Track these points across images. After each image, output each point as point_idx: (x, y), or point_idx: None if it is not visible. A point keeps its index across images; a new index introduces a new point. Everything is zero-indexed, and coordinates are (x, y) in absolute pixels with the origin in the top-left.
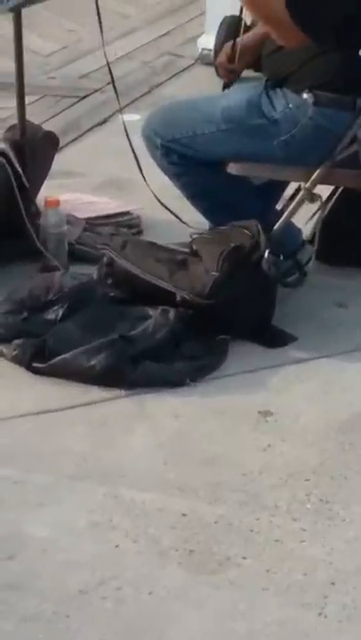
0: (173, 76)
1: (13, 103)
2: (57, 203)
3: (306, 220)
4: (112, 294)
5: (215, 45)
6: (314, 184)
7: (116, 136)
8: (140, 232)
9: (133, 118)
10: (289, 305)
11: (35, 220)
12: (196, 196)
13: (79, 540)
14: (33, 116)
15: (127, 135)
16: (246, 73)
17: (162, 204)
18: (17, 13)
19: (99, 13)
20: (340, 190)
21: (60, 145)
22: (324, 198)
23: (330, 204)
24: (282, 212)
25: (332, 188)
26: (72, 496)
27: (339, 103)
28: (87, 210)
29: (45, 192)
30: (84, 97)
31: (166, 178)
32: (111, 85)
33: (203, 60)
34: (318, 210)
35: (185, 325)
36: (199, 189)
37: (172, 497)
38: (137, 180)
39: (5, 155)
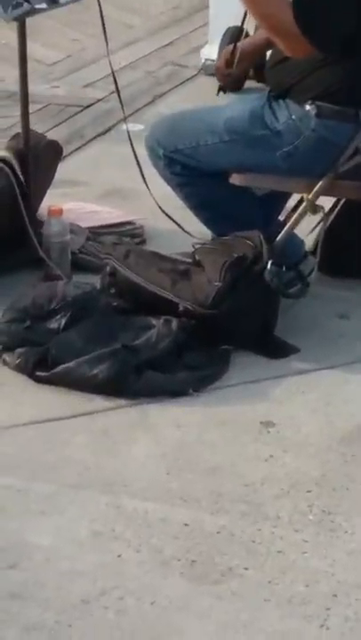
0: (177, 86)
1: (17, 112)
2: (60, 212)
3: (308, 231)
4: (115, 304)
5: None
6: (316, 195)
7: (120, 145)
8: (142, 242)
9: (137, 128)
10: (291, 316)
11: (38, 228)
12: (199, 206)
13: (81, 549)
14: (37, 124)
15: (131, 145)
16: (249, 84)
17: (165, 213)
18: (21, 22)
19: (103, 23)
20: (342, 202)
21: (64, 154)
22: (326, 210)
23: (332, 216)
24: (284, 223)
25: (334, 199)
26: (74, 505)
27: (341, 115)
28: (90, 219)
29: (49, 201)
30: (88, 106)
31: (169, 188)
32: (114, 95)
33: (206, 70)
34: (321, 221)
35: (188, 335)
36: (202, 200)
37: (174, 507)
38: (140, 189)
39: (9, 163)
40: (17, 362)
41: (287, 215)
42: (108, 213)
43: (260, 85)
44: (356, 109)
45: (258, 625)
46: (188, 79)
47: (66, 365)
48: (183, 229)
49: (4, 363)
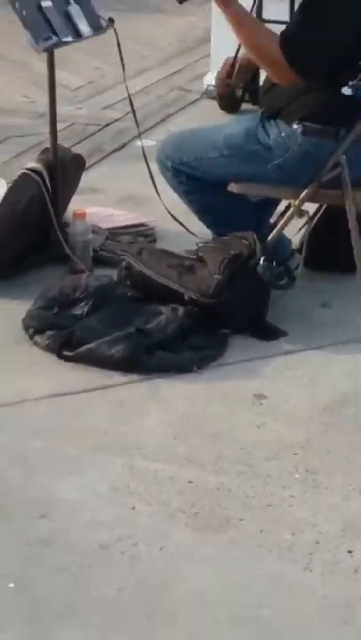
0: (183, 108)
1: (46, 129)
2: (83, 215)
3: (295, 232)
4: (130, 294)
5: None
6: (302, 202)
7: (134, 159)
8: (153, 241)
9: (149, 144)
10: (280, 304)
11: (64, 229)
12: (202, 210)
13: (101, 502)
14: (63, 140)
15: (145, 158)
16: (245, 106)
17: (173, 217)
18: (50, 53)
19: (120, 54)
20: (324, 207)
21: (86, 166)
22: (310, 214)
23: (315, 219)
24: (275, 225)
25: (317, 205)
26: (95, 466)
27: (324, 133)
28: (109, 221)
29: (73, 205)
30: (107, 125)
31: (176, 195)
32: (130, 115)
33: (208, 94)
34: (305, 224)
35: (192, 321)
36: (204, 205)
37: (180, 467)
38: (151, 196)
39: (40, 173)
40: (46, 343)
41: (277, 218)
42: (124, 216)
43: (254, 108)
44: (336, 128)
45: (251, 568)
46: (192, 102)
47: (88, 346)
48: (188, 230)
49: (35, 343)
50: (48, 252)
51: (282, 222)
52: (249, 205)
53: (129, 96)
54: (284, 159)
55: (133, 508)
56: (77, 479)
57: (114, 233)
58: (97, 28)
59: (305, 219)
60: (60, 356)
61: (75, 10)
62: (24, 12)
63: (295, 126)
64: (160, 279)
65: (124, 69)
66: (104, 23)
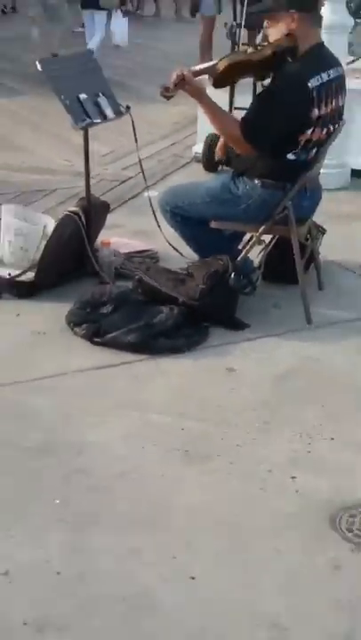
0: (178, 169)
1: (82, 184)
2: (108, 243)
3: (256, 255)
4: (140, 298)
5: (203, 151)
6: (261, 234)
7: (143, 204)
8: (157, 261)
9: (153, 194)
10: (245, 306)
11: (95, 253)
12: (191, 239)
13: (121, 444)
14: (94, 192)
15: (150, 204)
16: (221, 167)
17: (170, 245)
18: (85, 130)
19: (134, 130)
20: (276, 238)
21: (110, 209)
22: (267, 242)
23: (270, 246)
24: (242, 250)
25: (271, 236)
26: (117, 418)
27: (276, 186)
28: (126, 247)
29: (101, 237)
30: (124, 181)
31: (172, 229)
32: (140, 174)
33: (196, 159)
34: (263, 249)
35: (184, 317)
36: (192, 236)
37: (176, 419)
38: (156, 230)
39: (78, 215)
40: (82, 333)
41: (244, 245)
42: (137, 244)
43: (227, 169)
44: (284, 183)
45: (222, 489)
46: (184, 165)
47: (112, 334)
48: (181, 254)
49: (75, 333)
50: (83, 269)
51: (247, 248)
52: (224, 237)
53: (140, 160)
54: (248, 205)
55: (143, 447)
56: (104, 427)
57: (129, 256)
58: (118, 113)
59: (263, 245)
60: (92, 342)
61: (103, 100)
62: (67, 102)
63: (256, 182)
64: (162, 288)
65: (136, 141)
66: (123, 109)
